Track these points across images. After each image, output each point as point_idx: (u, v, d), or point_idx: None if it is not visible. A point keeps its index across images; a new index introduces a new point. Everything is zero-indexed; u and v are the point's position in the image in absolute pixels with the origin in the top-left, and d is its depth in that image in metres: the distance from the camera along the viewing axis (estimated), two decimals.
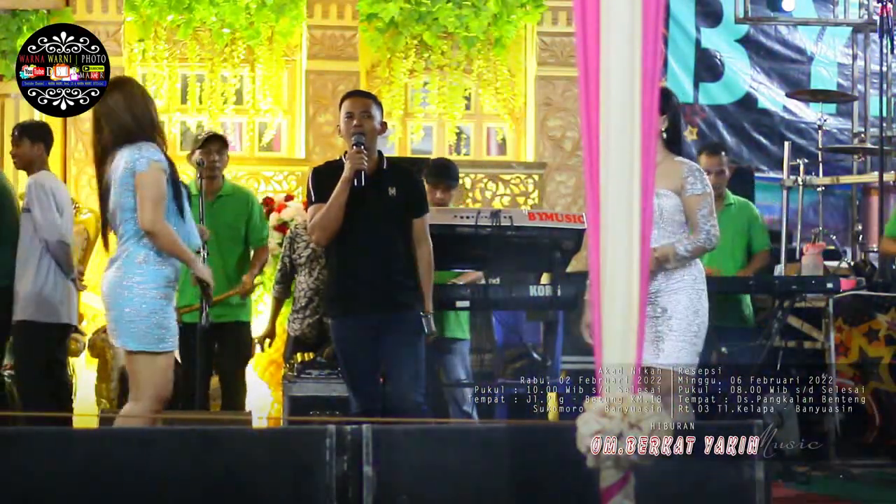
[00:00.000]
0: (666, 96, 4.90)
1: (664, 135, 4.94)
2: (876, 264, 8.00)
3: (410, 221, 5.52)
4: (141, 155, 4.79)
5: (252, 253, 6.86)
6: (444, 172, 6.72)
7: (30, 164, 6.81)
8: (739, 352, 6.46)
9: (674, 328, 4.80)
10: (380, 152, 5.58)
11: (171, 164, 4.93)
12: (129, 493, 3.71)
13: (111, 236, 5.00)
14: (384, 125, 5.60)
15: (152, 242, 4.80)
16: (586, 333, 4.76)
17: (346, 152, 5.46)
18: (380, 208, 5.44)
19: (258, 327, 7.26)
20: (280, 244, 7.79)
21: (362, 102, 5.54)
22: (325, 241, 5.52)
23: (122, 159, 4.81)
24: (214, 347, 6.69)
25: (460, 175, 7.18)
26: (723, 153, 7.08)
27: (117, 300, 4.82)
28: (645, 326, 3.24)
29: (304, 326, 7.01)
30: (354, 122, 5.45)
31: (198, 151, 6.61)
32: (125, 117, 4.88)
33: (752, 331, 6.75)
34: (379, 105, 5.61)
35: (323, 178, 5.51)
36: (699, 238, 4.89)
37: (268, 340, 7.21)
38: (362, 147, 5.39)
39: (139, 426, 4.72)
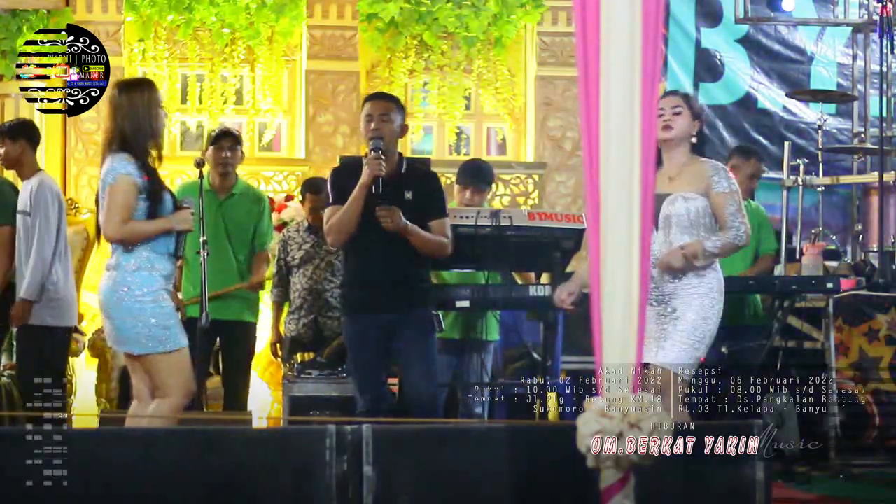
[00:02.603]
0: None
1: (694, 140, 4.97)
2: (876, 264, 8.00)
3: (427, 224, 5.45)
4: (112, 167, 4.89)
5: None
6: (476, 174, 6.65)
7: (17, 164, 6.60)
8: (739, 352, 6.45)
9: (679, 329, 4.77)
10: (399, 154, 5.54)
11: (151, 177, 4.94)
12: (129, 493, 3.72)
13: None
14: (405, 128, 5.54)
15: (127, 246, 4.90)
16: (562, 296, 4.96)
17: (366, 154, 5.44)
18: None
19: (261, 331, 7.25)
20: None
21: (382, 105, 5.47)
22: (340, 243, 5.53)
23: (104, 170, 4.94)
24: (216, 345, 6.71)
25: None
26: (754, 159, 7.01)
27: (117, 309, 4.90)
28: (645, 326, 3.25)
29: (300, 327, 7.01)
30: (373, 125, 5.40)
31: (211, 148, 6.65)
32: (123, 123, 4.94)
33: (763, 327, 6.72)
34: (401, 108, 5.54)
35: (342, 179, 5.47)
36: (728, 235, 4.85)
37: (277, 345, 7.21)
38: (380, 152, 5.34)
39: (152, 426, 4.76)
